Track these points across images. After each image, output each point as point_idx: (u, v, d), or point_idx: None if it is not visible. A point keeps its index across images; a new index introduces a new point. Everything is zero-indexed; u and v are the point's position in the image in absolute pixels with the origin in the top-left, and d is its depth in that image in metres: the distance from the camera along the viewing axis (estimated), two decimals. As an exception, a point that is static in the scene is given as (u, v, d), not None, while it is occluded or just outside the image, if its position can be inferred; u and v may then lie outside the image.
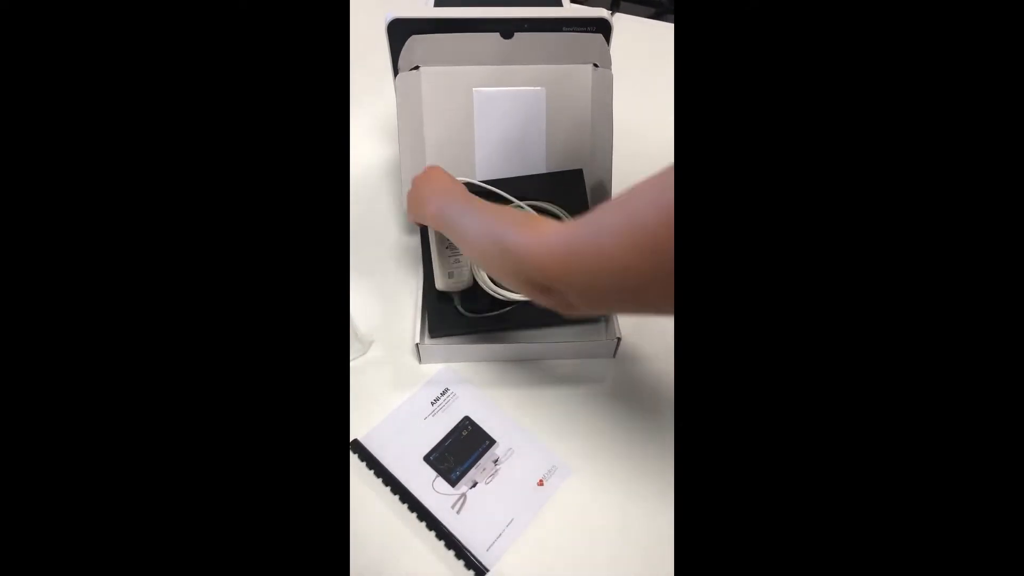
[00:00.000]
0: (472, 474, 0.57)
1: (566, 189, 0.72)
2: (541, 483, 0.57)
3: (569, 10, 0.72)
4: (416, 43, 0.68)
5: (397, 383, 0.64)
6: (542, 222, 0.44)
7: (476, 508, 0.55)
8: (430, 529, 0.53)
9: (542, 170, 0.74)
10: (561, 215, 0.70)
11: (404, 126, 0.71)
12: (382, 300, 0.71)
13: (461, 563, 0.51)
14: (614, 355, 0.66)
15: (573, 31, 0.70)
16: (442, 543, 0.52)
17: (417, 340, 0.64)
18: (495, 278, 0.56)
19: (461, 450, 0.59)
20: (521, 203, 0.70)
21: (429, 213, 0.56)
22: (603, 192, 0.77)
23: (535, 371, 0.66)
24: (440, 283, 0.63)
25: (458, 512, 0.54)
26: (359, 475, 0.57)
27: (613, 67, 0.72)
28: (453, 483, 0.56)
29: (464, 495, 0.56)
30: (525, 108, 0.66)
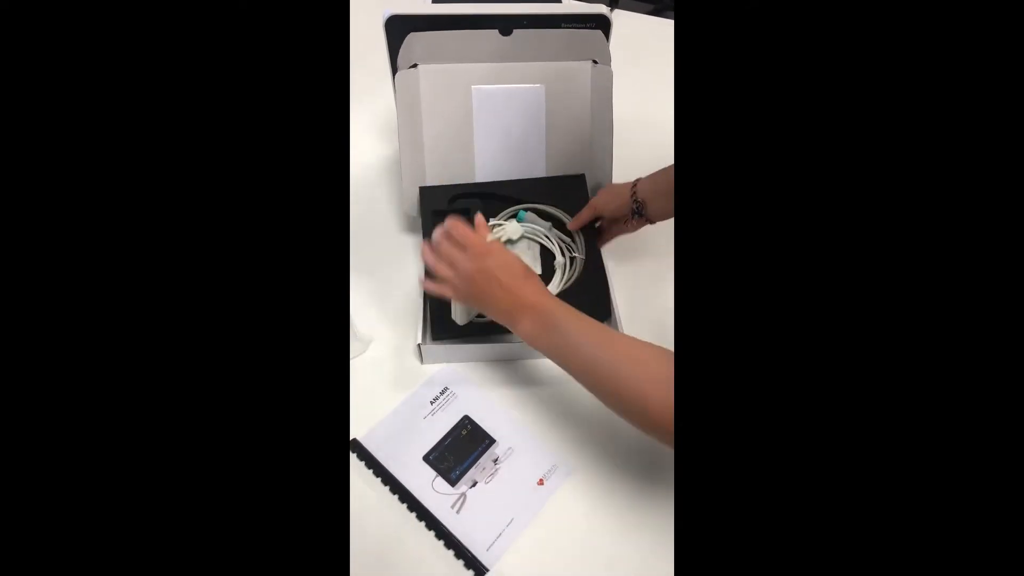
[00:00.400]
0: (472, 473, 0.57)
1: (565, 193, 0.71)
2: (541, 482, 0.56)
3: (568, 6, 0.72)
4: (414, 40, 0.67)
5: (397, 382, 0.64)
6: (662, 372, 0.44)
7: (476, 508, 0.55)
8: (430, 529, 0.53)
9: (542, 168, 0.74)
10: (563, 217, 0.70)
11: (403, 124, 0.70)
12: (381, 299, 0.71)
13: (461, 563, 0.51)
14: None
15: (572, 27, 0.70)
16: (442, 543, 0.52)
17: (419, 340, 0.64)
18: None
19: (461, 449, 0.58)
20: (523, 208, 0.70)
21: (524, 330, 0.52)
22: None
23: (535, 369, 0.65)
24: (461, 319, 0.62)
25: (458, 512, 0.54)
26: (358, 475, 0.57)
27: (612, 63, 0.72)
28: (453, 483, 0.56)
29: (464, 495, 0.55)
30: (524, 106, 0.66)
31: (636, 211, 0.65)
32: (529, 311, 0.52)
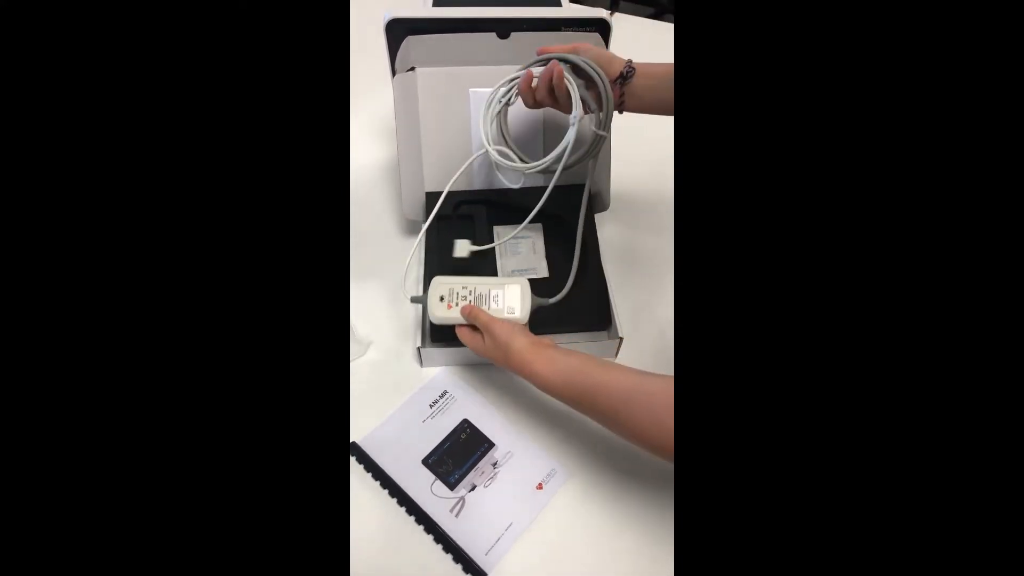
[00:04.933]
0: (471, 477, 0.57)
1: (569, 200, 0.71)
2: (540, 486, 0.56)
3: (568, 10, 0.72)
4: (412, 44, 0.67)
5: (396, 385, 0.64)
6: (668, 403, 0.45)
7: (475, 512, 0.54)
8: (428, 533, 0.53)
9: (539, 147, 0.74)
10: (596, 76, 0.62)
11: (401, 127, 0.70)
12: (381, 301, 0.71)
13: (459, 567, 0.51)
14: (615, 356, 0.66)
15: (572, 31, 0.70)
16: (440, 547, 0.52)
17: (418, 344, 0.64)
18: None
19: (460, 453, 0.58)
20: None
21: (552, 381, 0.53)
22: (601, 203, 0.76)
23: (534, 373, 0.65)
24: (520, 319, 0.59)
25: (456, 516, 0.54)
26: (357, 478, 0.57)
27: (612, 67, 0.71)
28: (452, 486, 0.56)
29: (463, 498, 0.55)
30: (522, 109, 0.66)
31: (624, 75, 0.59)
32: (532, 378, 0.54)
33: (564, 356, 0.53)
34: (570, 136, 0.58)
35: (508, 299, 0.59)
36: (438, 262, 0.67)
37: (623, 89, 0.60)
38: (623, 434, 0.49)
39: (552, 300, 0.61)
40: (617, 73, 0.60)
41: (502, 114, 0.63)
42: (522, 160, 0.62)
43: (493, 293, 0.59)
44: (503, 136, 0.63)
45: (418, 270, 0.70)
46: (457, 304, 0.59)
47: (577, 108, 0.58)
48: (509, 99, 0.63)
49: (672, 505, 0.54)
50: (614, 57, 0.61)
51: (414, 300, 0.62)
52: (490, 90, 0.63)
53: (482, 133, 0.62)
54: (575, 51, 0.60)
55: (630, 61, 0.60)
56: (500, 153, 0.62)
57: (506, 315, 0.58)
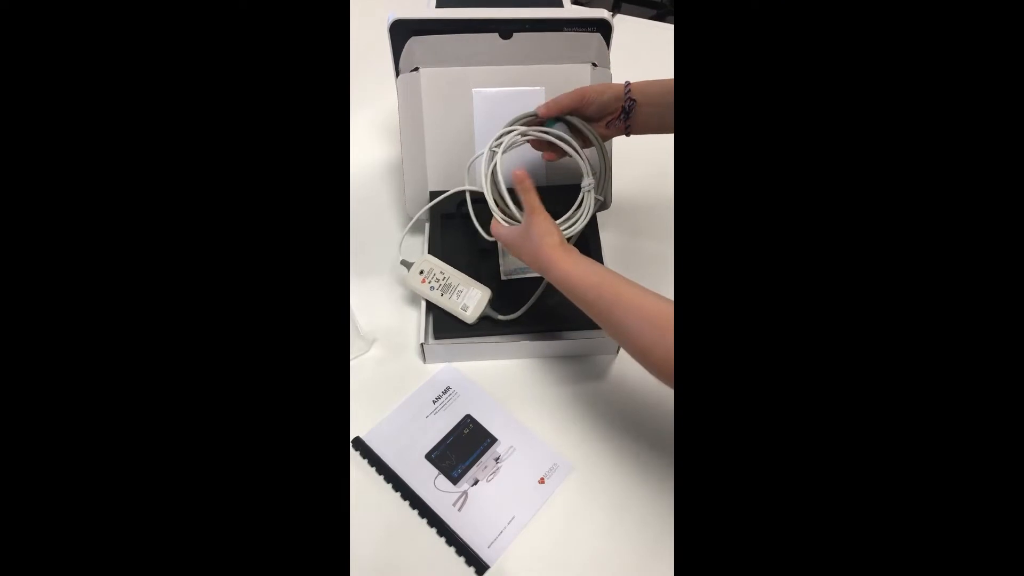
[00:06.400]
0: (473, 472, 0.57)
1: (571, 200, 0.71)
2: (542, 481, 0.57)
3: (570, 11, 0.72)
4: (415, 44, 0.68)
5: (400, 381, 0.64)
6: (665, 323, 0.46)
7: (477, 505, 0.55)
8: (431, 526, 0.54)
9: (542, 168, 0.74)
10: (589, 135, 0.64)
11: (405, 127, 0.71)
12: (386, 299, 0.71)
13: (462, 560, 0.52)
14: (617, 352, 0.66)
15: (574, 31, 0.70)
16: (443, 540, 0.53)
17: (422, 340, 0.64)
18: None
19: (463, 448, 0.59)
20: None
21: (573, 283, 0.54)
22: (602, 202, 0.77)
23: (537, 369, 0.66)
24: (469, 317, 0.65)
25: (459, 509, 0.55)
26: (361, 472, 0.57)
27: (614, 69, 0.72)
28: (455, 481, 0.56)
29: (465, 493, 0.56)
30: (525, 108, 0.66)
31: (627, 110, 0.62)
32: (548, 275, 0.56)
33: (590, 263, 0.55)
34: (587, 202, 0.63)
35: (467, 299, 0.65)
36: (440, 257, 0.68)
37: (628, 122, 0.63)
38: (629, 344, 0.50)
39: (502, 317, 0.65)
40: (619, 109, 0.62)
41: (496, 166, 0.62)
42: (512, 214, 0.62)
43: (460, 288, 0.65)
44: (496, 187, 0.62)
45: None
46: (429, 283, 0.65)
47: (588, 176, 0.62)
48: (503, 149, 0.62)
49: (673, 499, 0.54)
50: (616, 95, 0.62)
51: (403, 263, 0.68)
52: (494, 89, 0.63)
53: (481, 177, 0.63)
54: (579, 101, 0.61)
55: (629, 90, 0.62)
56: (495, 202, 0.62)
57: (458, 311, 0.64)
